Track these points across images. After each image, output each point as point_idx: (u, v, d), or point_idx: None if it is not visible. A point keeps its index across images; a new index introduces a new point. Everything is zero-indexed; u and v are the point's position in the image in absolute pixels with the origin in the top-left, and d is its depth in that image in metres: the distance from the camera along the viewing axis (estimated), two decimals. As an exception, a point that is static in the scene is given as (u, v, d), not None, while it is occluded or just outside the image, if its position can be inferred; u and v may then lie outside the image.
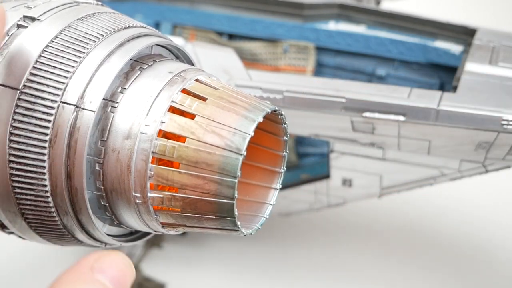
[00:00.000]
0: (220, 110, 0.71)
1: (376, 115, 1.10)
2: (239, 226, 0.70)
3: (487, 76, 1.15)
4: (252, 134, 0.69)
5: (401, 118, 1.09)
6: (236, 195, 0.68)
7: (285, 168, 0.85)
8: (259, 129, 0.85)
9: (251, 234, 0.76)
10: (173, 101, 0.69)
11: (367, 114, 1.10)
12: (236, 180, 0.68)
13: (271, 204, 0.83)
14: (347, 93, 1.11)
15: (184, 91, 0.72)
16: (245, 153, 0.68)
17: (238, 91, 0.76)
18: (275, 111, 0.75)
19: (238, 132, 0.69)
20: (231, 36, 1.83)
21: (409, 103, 1.08)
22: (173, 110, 0.70)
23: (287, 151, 0.85)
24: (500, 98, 1.08)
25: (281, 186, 0.83)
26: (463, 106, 1.07)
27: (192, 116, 0.70)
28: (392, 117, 1.09)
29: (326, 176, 1.38)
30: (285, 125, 0.82)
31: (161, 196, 0.68)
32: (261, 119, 0.72)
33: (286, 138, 0.84)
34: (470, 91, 1.11)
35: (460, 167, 1.21)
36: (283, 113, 0.77)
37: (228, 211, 0.69)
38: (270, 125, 0.84)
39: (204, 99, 0.72)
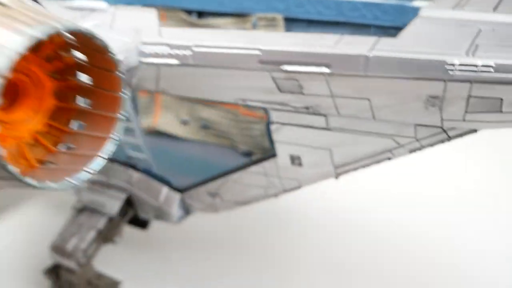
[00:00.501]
0: None
1: (296, 67, 0.92)
2: (11, 171, 0.55)
3: (443, 21, 0.95)
4: (22, 51, 0.54)
5: (325, 69, 0.90)
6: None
7: (125, 114, 0.70)
8: (94, 67, 0.70)
9: (52, 188, 0.61)
10: None
11: (286, 67, 0.92)
12: None
13: (101, 157, 0.67)
14: (263, 44, 0.93)
15: None
16: (7, 74, 0.53)
17: (40, 10, 0.61)
18: (84, 33, 0.60)
19: (4, 49, 0.54)
20: (201, 14, 1.69)
21: (334, 51, 0.90)
22: None
23: (126, 93, 0.70)
24: (449, 41, 0.88)
25: (120, 136, 0.67)
26: (400, 50, 0.87)
27: None
28: (314, 69, 0.91)
29: (274, 154, 1.21)
30: (113, 55, 0.67)
31: None
32: (41, 35, 0.56)
33: (120, 74, 0.69)
34: (415, 36, 0.91)
35: (417, 134, 1.00)
36: (102, 38, 0.62)
37: None
38: (102, 60, 0.68)
39: None
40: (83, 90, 0.72)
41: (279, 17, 1.47)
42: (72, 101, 0.72)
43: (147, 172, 1.48)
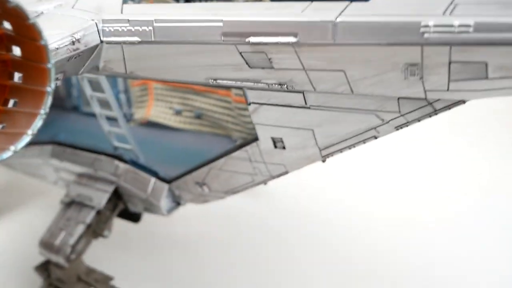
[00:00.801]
0: None
1: (262, 38, 0.85)
2: None
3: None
4: None
5: (292, 39, 0.83)
6: None
7: (52, 87, 0.64)
8: (20, 37, 0.65)
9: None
10: None
11: (252, 38, 0.85)
12: None
13: (27, 134, 0.62)
14: (226, 16, 0.87)
15: None
16: None
17: None
18: None
19: None
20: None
21: (300, 18, 0.82)
22: None
23: (52, 65, 0.64)
24: (425, 2, 0.79)
25: (47, 110, 0.62)
26: (370, 14, 0.79)
27: None
28: (280, 39, 0.84)
29: (256, 138, 1.14)
30: (33, 21, 0.61)
31: None
32: None
33: (43, 42, 0.63)
34: (390, -1, 0.83)
35: (401, 108, 0.92)
36: (16, 2, 0.56)
37: None
38: (26, 27, 0.63)
39: None
40: (14, 63, 0.65)
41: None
42: (5, 76, 0.66)
43: (134, 163, 1.43)
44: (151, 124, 1.74)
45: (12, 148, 0.59)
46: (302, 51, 0.85)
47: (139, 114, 1.82)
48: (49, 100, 0.63)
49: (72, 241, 1.43)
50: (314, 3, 0.85)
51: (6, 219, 1.89)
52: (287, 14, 0.83)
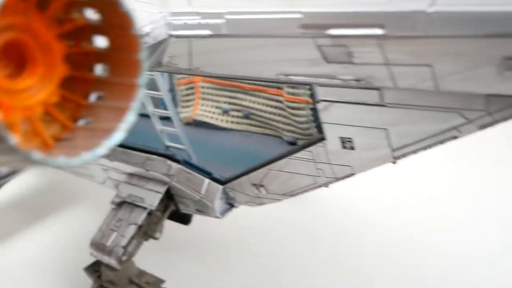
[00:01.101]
0: None
1: (345, 31, 0.79)
2: (10, 141, 0.46)
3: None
4: None
5: (379, 31, 0.77)
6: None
7: (143, 81, 0.60)
8: (108, 26, 0.61)
9: (61, 163, 0.52)
10: None
11: (333, 31, 0.80)
12: None
13: (120, 129, 0.58)
14: (304, 6, 0.81)
15: None
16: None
17: None
18: None
19: None
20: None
21: (388, 8, 0.76)
22: None
23: (144, 56, 0.60)
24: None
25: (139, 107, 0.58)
26: (466, 3, 0.73)
27: None
28: (365, 31, 0.78)
29: (322, 137, 1.08)
30: (126, 9, 0.57)
31: None
32: None
33: (137, 31, 0.59)
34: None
35: (488, 106, 0.86)
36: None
37: None
38: (116, 17, 0.59)
39: None
40: (98, 55, 0.61)
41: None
42: (88, 69, 0.62)
43: (187, 164, 1.39)
44: (204, 125, 1.70)
45: (106, 143, 0.55)
46: (387, 43, 0.79)
47: (185, 113, 1.79)
48: (141, 93, 0.59)
49: (124, 242, 1.39)
50: (401, -8, 0.79)
51: (53, 219, 1.88)
52: (373, 4, 0.78)
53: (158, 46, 0.91)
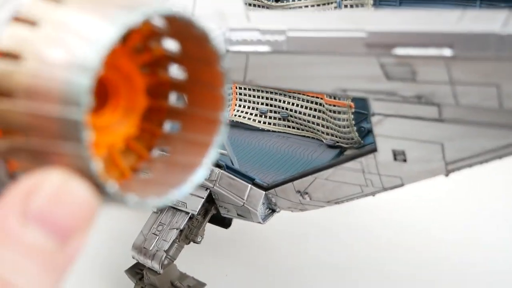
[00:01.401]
0: (79, 12, 0.47)
1: (411, 50, 0.78)
2: (108, 189, 0.46)
3: None
4: (111, 42, 0.44)
5: (447, 52, 0.76)
6: (85, 136, 0.44)
7: (227, 116, 0.59)
8: (191, 59, 0.60)
9: (136, 204, 0.51)
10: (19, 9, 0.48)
11: (398, 50, 0.79)
12: (82, 111, 0.43)
13: (204, 165, 0.57)
14: (369, 25, 0.80)
15: None
16: (97, 70, 0.44)
17: None
18: (175, 16, 0.50)
19: (91, 41, 0.44)
20: (279, -4, 1.57)
21: (457, 29, 0.75)
22: (17, 19, 0.48)
23: (228, 91, 0.59)
24: None
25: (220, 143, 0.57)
26: (542, 25, 0.71)
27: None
28: (433, 51, 0.77)
29: (373, 149, 1.07)
30: (214, 44, 0.56)
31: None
32: (133, 22, 0.46)
33: (222, 67, 0.58)
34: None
35: (552, 124, 0.84)
36: (201, 25, 0.52)
37: (81, 159, 0.45)
38: (200, 51, 0.58)
39: (59, 1, 0.48)
40: (177, 86, 0.60)
41: (369, -5, 1.33)
42: (163, 98, 0.61)
43: (229, 169, 1.39)
44: (242, 127, 1.70)
45: (192, 180, 0.55)
46: (454, 64, 0.78)
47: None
48: (223, 130, 0.58)
49: (166, 246, 1.40)
50: (469, 11, 0.78)
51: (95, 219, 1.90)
52: (441, 24, 0.76)
53: (216, 61, 0.90)
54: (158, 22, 0.54)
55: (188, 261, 1.48)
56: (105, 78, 0.55)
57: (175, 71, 0.61)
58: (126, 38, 0.56)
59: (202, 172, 0.56)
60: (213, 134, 0.59)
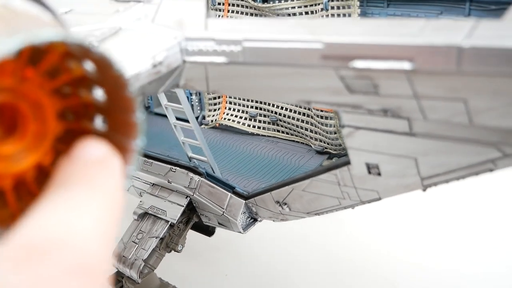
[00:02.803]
0: None
1: (370, 63, 0.73)
2: None
3: None
4: None
5: (406, 65, 0.71)
6: None
7: (139, 144, 0.55)
8: (105, 80, 0.55)
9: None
10: None
11: (357, 63, 0.74)
12: None
13: None
14: (326, 36, 0.75)
15: None
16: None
17: (24, 13, 0.47)
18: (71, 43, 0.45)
19: None
20: (266, -2, 1.53)
21: (418, 41, 0.69)
22: None
23: (140, 113, 0.55)
24: None
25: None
26: (506, 37, 0.65)
27: None
28: (392, 64, 0.71)
29: (348, 161, 1.02)
30: (118, 71, 0.52)
31: None
32: (7, 51, 0.42)
33: (129, 93, 0.53)
34: (528, 17, 0.69)
35: (529, 141, 0.78)
36: (99, 50, 0.47)
37: None
38: (107, 72, 0.53)
39: None
40: (100, 109, 0.55)
41: (355, -4, 1.28)
42: (87, 121, 0.57)
43: (209, 177, 1.35)
44: (230, 131, 1.66)
45: None
46: (416, 78, 0.72)
47: (212, 117, 1.75)
48: (135, 157, 0.53)
49: (145, 255, 1.37)
50: (433, 20, 0.72)
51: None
52: (401, 35, 0.71)
53: (173, 73, 0.86)
54: (49, 43, 0.49)
55: (172, 269, 1.45)
56: (10, 105, 0.51)
57: (98, 94, 0.57)
58: (37, 61, 0.51)
59: None
60: (127, 162, 0.55)
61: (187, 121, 1.29)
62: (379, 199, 1.06)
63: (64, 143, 0.58)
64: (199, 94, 1.77)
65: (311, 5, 1.41)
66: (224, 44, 0.82)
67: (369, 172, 1.00)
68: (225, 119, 1.74)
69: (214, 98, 1.75)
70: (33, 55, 0.51)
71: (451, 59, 0.68)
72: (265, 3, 1.49)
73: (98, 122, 0.58)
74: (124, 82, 0.52)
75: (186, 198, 1.39)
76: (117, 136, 0.56)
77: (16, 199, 0.53)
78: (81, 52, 0.50)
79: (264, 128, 1.68)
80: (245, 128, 1.70)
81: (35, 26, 0.45)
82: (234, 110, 1.73)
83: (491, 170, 0.87)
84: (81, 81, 0.56)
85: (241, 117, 1.72)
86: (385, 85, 0.76)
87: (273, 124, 1.66)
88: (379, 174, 0.99)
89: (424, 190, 0.99)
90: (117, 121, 0.56)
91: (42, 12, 0.51)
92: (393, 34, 0.72)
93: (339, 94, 0.82)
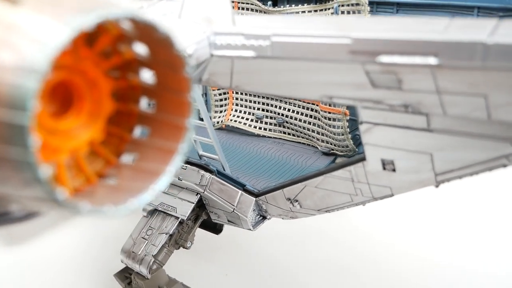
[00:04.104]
0: (33, 13, 0.45)
1: (396, 58, 0.76)
2: (57, 195, 0.45)
3: None
4: (62, 44, 0.43)
5: (432, 60, 0.74)
6: (31, 142, 0.43)
7: (193, 123, 0.58)
8: (158, 64, 0.59)
9: (110, 214, 0.50)
10: None
11: (383, 58, 0.77)
12: (27, 116, 0.42)
13: (167, 173, 0.56)
14: (354, 31, 0.78)
15: None
16: (45, 73, 0.42)
17: None
18: (137, 20, 0.48)
19: (41, 43, 0.43)
20: (276, 1, 1.56)
21: (442, 38, 0.73)
22: None
23: (193, 98, 0.58)
24: None
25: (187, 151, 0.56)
26: (530, 35, 0.69)
27: None
28: (418, 59, 0.75)
29: (362, 158, 1.05)
30: (178, 50, 0.55)
31: None
32: (85, 25, 0.45)
33: (187, 73, 0.57)
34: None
35: (544, 137, 0.82)
36: (165, 30, 0.51)
37: (27, 164, 0.44)
38: (167, 56, 0.57)
39: (15, 2, 0.47)
40: (146, 91, 0.59)
41: (364, 1, 1.31)
42: (133, 102, 0.60)
43: (220, 174, 1.37)
44: (237, 132, 1.69)
45: (153, 189, 0.53)
46: (440, 73, 0.76)
47: (218, 118, 1.78)
48: (189, 135, 0.56)
49: (154, 251, 1.39)
50: (456, 19, 0.76)
51: (84, 222, 1.89)
52: (427, 32, 0.74)
53: (198, 67, 0.89)
54: (125, 25, 0.52)
55: (180, 266, 1.46)
56: (69, 82, 0.53)
57: (146, 76, 0.59)
58: (93, 41, 0.54)
59: (165, 179, 0.55)
60: (179, 140, 0.57)
61: (199, 119, 1.32)
62: (392, 195, 1.09)
63: (112, 124, 0.60)
64: (206, 95, 1.80)
65: (321, 10, 1.44)
66: (253, 38, 0.85)
67: (384, 168, 1.03)
68: (231, 120, 1.76)
69: (221, 100, 1.78)
70: (88, 37, 0.54)
71: (476, 55, 0.72)
72: (275, 6, 1.53)
73: (144, 104, 0.61)
74: (183, 61, 0.55)
75: (196, 195, 1.41)
76: (168, 116, 0.59)
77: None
78: (144, 30, 0.53)
79: (270, 130, 1.71)
80: (251, 129, 1.73)
81: (102, 4, 0.48)
82: (240, 111, 1.76)
83: (504, 165, 0.90)
84: (129, 64, 0.59)
85: (247, 119, 1.74)
86: (409, 80, 0.79)
87: (279, 125, 1.69)
88: (393, 170, 1.02)
89: (437, 186, 1.02)
90: (169, 101, 0.59)
91: None
92: (419, 30, 0.76)
93: (363, 88, 0.85)
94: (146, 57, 0.57)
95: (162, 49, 0.55)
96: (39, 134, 0.47)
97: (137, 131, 0.61)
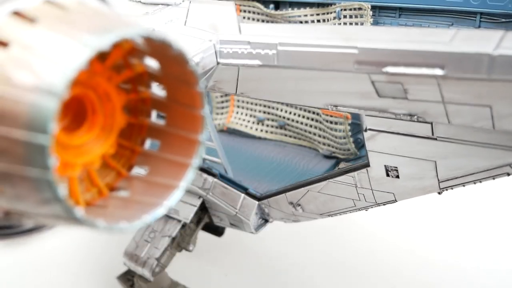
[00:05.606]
0: (51, 33, 0.46)
1: (402, 69, 0.77)
2: (75, 213, 0.45)
3: None
4: (80, 66, 0.43)
5: (438, 71, 0.75)
6: (51, 162, 0.43)
7: (204, 136, 0.58)
8: (170, 78, 0.59)
9: (124, 229, 0.50)
10: None
11: (389, 69, 0.78)
12: (48, 137, 0.43)
13: (179, 188, 0.56)
14: (360, 42, 0.79)
15: (16, 13, 0.48)
16: (64, 94, 0.43)
17: (104, 12, 0.50)
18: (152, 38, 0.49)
19: (59, 64, 0.44)
20: (278, 5, 1.56)
21: (449, 49, 0.74)
22: None
23: (206, 111, 0.58)
24: None
25: (202, 160, 0.56)
26: (535, 47, 0.70)
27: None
28: (424, 71, 0.75)
29: (366, 164, 1.06)
30: (191, 66, 0.55)
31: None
32: (105, 46, 0.46)
33: (200, 88, 0.57)
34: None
35: (547, 146, 0.83)
36: (178, 47, 0.51)
37: (46, 184, 0.45)
38: (179, 71, 0.57)
39: (33, 21, 0.47)
40: (157, 104, 0.59)
41: (366, 5, 1.32)
42: (144, 115, 0.60)
43: (223, 178, 1.38)
44: (238, 134, 1.69)
45: (166, 204, 0.54)
46: (446, 84, 0.77)
47: (219, 120, 1.78)
48: (202, 150, 0.57)
49: (157, 254, 1.39)
50: (462, 30, 0.76)
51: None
52: (434, 43, 0.75)
53: (205, 74, 0.90)
54: (138, 40, 0.53)
55: (182, 268, 1.47)
56: (82, 97, 0.54)
57: (156, 90, 0.60)
58: (105, 57, 0.55)
59: (177, 195, 0.55)
60: (191, 155, 0.58)
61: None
62: (395, 201, 1.10)
63: (123, 137, 0.61)
64: (208, 97, 1.80)
65: (324, 14, 1.45)
66: (259, 47, 0.85)
67: (388, 175, 1.04)
68: (232, 122, 1.77)
69: (222, 102, 1.78)
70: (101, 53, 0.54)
71: (482, 66, 0.72)
72: (278, 10, 1.53)
73: (154, 117, 0.61)
74: (196, 77, 0.55)
75: (199, 198, 1.41)
76: (180, 130, 0.59)
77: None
78: (157, 47, 0.54)
79: (271, 132, 1.72)
80: (253, 132, 1.73)
81: (116, 23, 0.48)
82: (242, 114, 1.76)
83: (508, 174, 0.91)
84: (140, 77, 0.60)
85: (248, 121, 1.75)
86: (415, 90, 0.80)
87: (281, 128, 1.70)
88: (397, 176, 1.03)
89: (440, 193, 1.03)
90: (181, 115, 0.59)
91: (110, 9, 0.55)
92: (425, 41, 0.76)
93: (368, 98, 0.86)
94: (157, 71, 0.58)
95: (175, 65, 0.56)
96: (56, 152, 0.47)
97: (148, 143, 0.61)
